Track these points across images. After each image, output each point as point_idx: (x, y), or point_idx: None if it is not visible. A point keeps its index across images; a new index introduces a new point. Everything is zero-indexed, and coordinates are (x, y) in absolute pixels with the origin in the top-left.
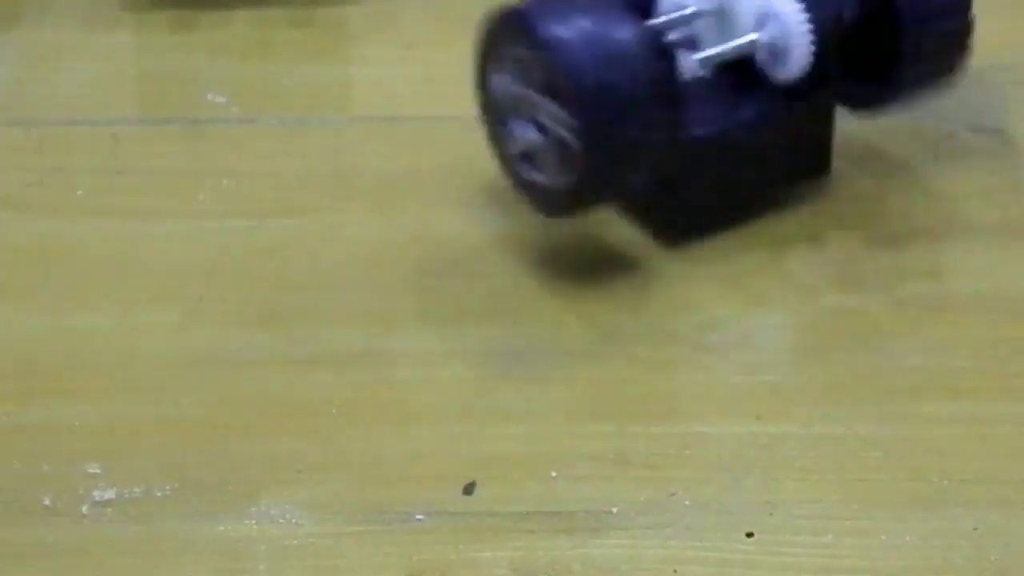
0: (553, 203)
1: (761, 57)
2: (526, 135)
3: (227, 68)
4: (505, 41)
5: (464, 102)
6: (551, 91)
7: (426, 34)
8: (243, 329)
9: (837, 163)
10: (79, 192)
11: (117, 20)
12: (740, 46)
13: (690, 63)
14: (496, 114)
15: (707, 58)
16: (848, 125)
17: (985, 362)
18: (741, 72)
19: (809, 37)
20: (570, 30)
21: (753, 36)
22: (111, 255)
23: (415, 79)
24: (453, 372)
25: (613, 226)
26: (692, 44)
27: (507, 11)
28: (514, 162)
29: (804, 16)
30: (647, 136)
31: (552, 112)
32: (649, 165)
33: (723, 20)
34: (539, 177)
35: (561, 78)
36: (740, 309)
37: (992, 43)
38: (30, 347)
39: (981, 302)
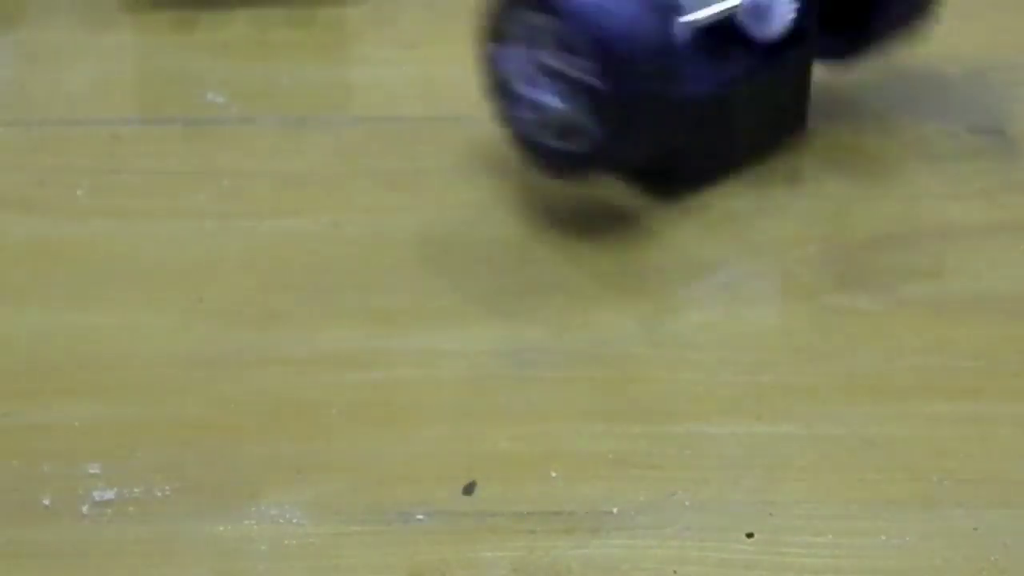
0: (574, 164)
1: (743, 18)
2: (547, 100)
3: (227, 68)
4: (515, 14)
5: (464, 102)
6: (567, 47)
7: (426, 34)
8: (243, 329)
9: (837, 164)
10: (79, 192)
11: (117, 20)
12: (724, 10)
13: (676, 26)
14: (509, 87)
15: (692, 21)
16: (848, 125)
17: (985, 362)
18: (721, 33)
19: None
20: None
21: (736, 1)
22: (111, 255)
23: (415, 79)
24: (453, 372)
25: (613, 227)
26: (675, 8)
27: None
28: (530, 131)
29: None
30: (660, 80)
31: (574, 64)
32: (664, 117)
33: None
34: (557, 143)
35: (575, 30)
36: (740, 309)
37: (992, 43)
38: (30, 347)
39: (981, 302)
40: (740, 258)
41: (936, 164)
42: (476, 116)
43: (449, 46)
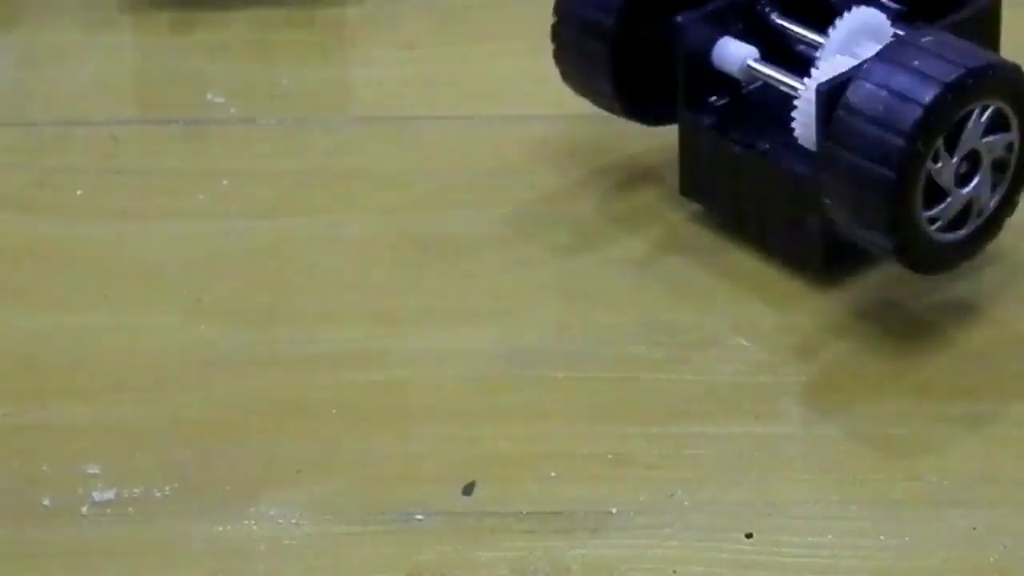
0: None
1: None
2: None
3: (227, 68)
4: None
5: (463, 102)
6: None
7: (426, 34)
8: (243, 329)
9: None
10: (79, 192)
11: (117, 20)
12: (785, 83)
13: (739, 61)
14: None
15: (754, 67)
16: None
17: (985, 362)
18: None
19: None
20: None
21: (800, 86)
22: (111, 255)
23: (415, 79)
24: (453, 372)
25: (612, 228)
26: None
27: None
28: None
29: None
30: None
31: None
32: None
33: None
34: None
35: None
36: (740, 309)
37: None
38: (30, 347)
39: (981, 302)
40: (740, 259)
41: None
42: (475, 116)
43: (449, 46)
